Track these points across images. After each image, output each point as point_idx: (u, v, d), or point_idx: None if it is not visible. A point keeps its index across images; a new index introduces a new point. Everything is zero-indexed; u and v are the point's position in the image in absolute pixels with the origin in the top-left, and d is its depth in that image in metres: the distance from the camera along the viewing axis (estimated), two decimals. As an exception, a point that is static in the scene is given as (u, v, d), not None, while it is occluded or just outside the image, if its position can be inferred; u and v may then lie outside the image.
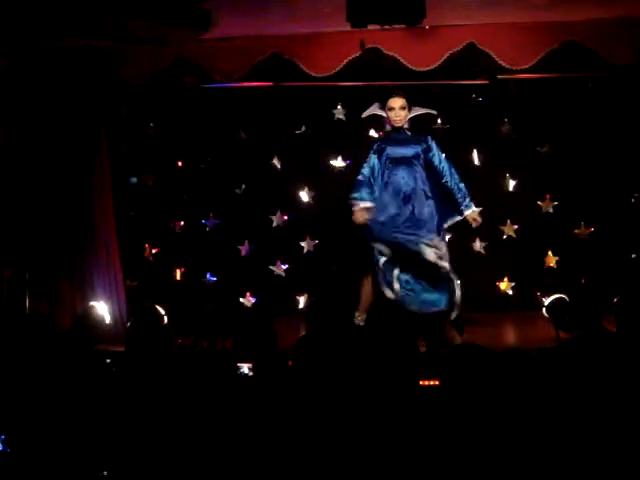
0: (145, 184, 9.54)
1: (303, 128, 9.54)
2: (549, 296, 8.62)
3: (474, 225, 7.26)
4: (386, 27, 7.13)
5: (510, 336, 8.53)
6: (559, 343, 7.10)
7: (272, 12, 7.36)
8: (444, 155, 7.24)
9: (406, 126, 7.22)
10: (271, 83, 9.06)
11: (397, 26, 7.14)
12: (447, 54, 7.88)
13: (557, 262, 9.39)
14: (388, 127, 7.32)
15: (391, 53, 7.97)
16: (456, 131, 9.44)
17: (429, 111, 7.56)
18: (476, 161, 9.48)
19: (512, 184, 9.47)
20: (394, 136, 7.21)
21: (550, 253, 9.40)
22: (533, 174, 9.40)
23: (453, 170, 7.15)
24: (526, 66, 7.99)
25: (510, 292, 9.44)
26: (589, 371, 4.19)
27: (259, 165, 9.57)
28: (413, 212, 7.07)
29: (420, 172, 7.14)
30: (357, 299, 7.58)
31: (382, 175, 7.18)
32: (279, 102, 9.42)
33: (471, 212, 7.19)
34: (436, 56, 7.93)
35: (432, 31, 7.81)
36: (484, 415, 3.77)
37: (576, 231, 9.37)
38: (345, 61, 8.01)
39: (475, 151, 9.45)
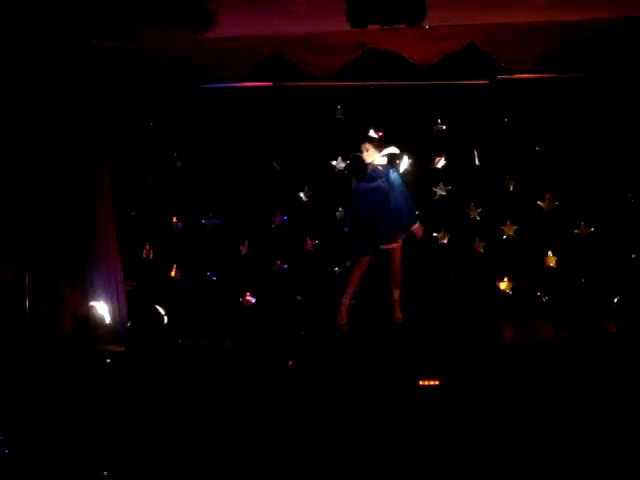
0: (145, 184, 9.54)
1: (303, 128, 9.54)
2: (549, 296, 8.62)
3: (417, 237, 8.57)
4: (386, 27, 7.15)
5: (510, 336, 8.53)
6: (559, 343, 7.10)
7: (272, 12, 7.37)
8: (399, 185, 8.44)
9: (376, 162, 8.45)
10: (271, 83, 9.06)
11: (397, 26, 7.15)
12: (447, 54, 7.88)
13: (557, 262, 9.39)
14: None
15: (391, 51, 7.97)
16: (456, 131, 9.45)
17: (395, 151, 8.63)
18: (476, 161, 9.49)
19: (512, 184, 9.47)
20: (367, 170, 8.47)
21: (550, 253, 9.40)
22: (533, 174, 9.40)
23: (401, 197, 8.42)
24: (526, 67, 7.99)
25: (510, 292, 9.44)
26: (589, 371, 4.19)
27: (259, 165, 9.57)
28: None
29: (384, 194, 8.40)
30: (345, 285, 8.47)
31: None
32: (279, 102, 9.42)
33: (416, 226, 8.51)
34: (436, 56, 7.93)
35: (432, 31, 7.81)
36: (484, 415, 3.78)
37: (576, 231, 9.37)
38: (345, 62, 8.01)
39: (475, 151, 9.46)
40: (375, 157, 8.43)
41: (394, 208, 8.33)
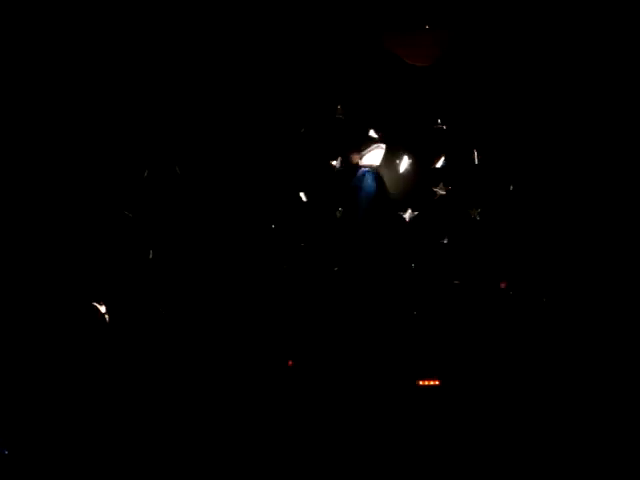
0: (146, 183, 9.53)
1: (303, 128, 9.55)
2: (549, 296, 8.63)
3: None
4: (386, 27, 7.15)
5: (510, 336, 8.53)
6: (558, 342, 7.11)
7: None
8: (367, 188, 8.74)
9: (361, 163, 8.72)
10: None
11: (398, 26, 7.17)
12: (447, 54, 7.89)
13: (556, 262, 9.39)
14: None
15: (391, 51, 7.98)
16: (456, 131, 9.46)
17: (378, 155, 8.78)
18: (476, 161, 9.50)
19: (511, 184, 9.48)
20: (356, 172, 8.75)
21: (549, 253, 9.40)
22: (533, 174, 9.41)
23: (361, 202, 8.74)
24: (526, 66, 8.00)
25: (510, 292, 9.44)
26: (589, 371, 4.19)
27: (259, 165, 9.57)
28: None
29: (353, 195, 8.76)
30: None
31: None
32: (279, 102, 9.43)
33: None
34: (436, 56, 7.94)
35: (432, 31, 7.81)
36: (484, 415, 3.78)
37: (577, 231, 9.37)
38: (346, 61, 8.02)
39: (475, 151, 9.47)
40: (358, 160, 8.50)
41: (354, 210, 8.48)
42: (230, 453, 3.78)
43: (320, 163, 9.57)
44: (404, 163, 9.25)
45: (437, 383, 3.99)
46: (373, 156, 8.64)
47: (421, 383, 4.66)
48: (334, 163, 9.58)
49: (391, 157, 9.17)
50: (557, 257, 9.38)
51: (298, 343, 7.69)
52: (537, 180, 9.41)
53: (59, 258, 8.37)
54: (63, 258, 8.39)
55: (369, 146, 8.61)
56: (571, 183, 9.31)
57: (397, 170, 9.32)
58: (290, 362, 4.45)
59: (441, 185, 9.54)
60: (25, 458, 3.98)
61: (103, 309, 8.36)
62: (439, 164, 9.57)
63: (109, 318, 8.38)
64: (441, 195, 9.53)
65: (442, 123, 9.51)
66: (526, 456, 3.45)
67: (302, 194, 9.56)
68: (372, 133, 9.04)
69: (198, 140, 9.56)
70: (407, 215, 9.45)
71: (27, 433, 4.07)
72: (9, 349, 5.03)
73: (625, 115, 9.11)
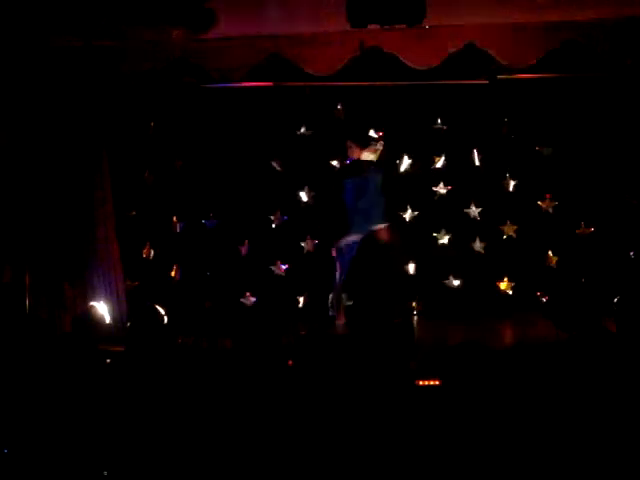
0: (145, 184, 9.54)
1: (303, 129, 9.55)
2: (549, 296, 8.63)
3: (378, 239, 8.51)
4: (386, 27, 7.15)
5: (510, 336, 8.54)
6: (559, 343, 7.09)
7: (272, 12, 7.38)
8: (375, 184, 8.50)
9: (363, 158, 8.52)
10: (271, 83, 9.07)
11: (397, 26, 7.16)
12: (447, 54, 7.88)
13: (557, 262, 9.40)
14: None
15: (391, 52, 7.97)
16: (456, 131, 9.46)
17: (379, 148, 8.59)
18: (476, 161, 9.50)
19: (512, 184, 9.48)
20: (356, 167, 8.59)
21: (550, 253, 9.41)
22: (533, 174, 9.42)
23: (373, 198, 8.48)
24: (526, 66, 7.99)
25: (510, 292, 9.44)
26: (589, 371, 4.19)
27: (259, 165, 9.57)
28: None
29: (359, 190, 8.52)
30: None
31: None
32: (279, 102, 9.43)
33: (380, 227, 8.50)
34: (436, 56, 7.94)
35: (432, 31, 7.80)
36: (484, 415, 3.78)
37: (577, 231, 9.38)
38: (345, 61, 8.01)
39: (475, 151, 9.47)
40: (361, 154, 8.46)
41: (364, 206, 8.33)
42: (230, 452, 3.79)
43: (320, 162, 9.60)
44: (404, 163, 9.25)
45: (437, 383, 4.00)
46: (372, 154, 8.58)
47: (421, 383, 4.66)
48: (334, 163, 9.60)
49: (391, 156, 9.17)
50: (556, 257, 9.40)
51: (298, 343, 7.69)
52: (536, 180, 9.42)
53: (59, 257, 8.37)
54: (63, 257, 8.39)
55: (369, 145, 8.56)
56: (570, 182, 9.33)
57: (397, 170, 9.33)
58: (290, 362, 4.46)
59: (441, 185, 9.55)
60: (25, 458, 3.98)
61: (103, 308, 8.36)
62: (439, 164, 9.58)
63: (109, 317, 8.40)
64: (441, 195, 9.54)
65: (442, 123, 9.53)
66: (527, 456, 3.46)
67: (302, 194, 9.58)
68: (372, 133, 9.05)
69: (198, 139, 9.58)
70: (407, 215, 9.46)
71: (27, 432, 4.08)
72: (9, 348, 5.03)
73: (624, 117, 9.12)
